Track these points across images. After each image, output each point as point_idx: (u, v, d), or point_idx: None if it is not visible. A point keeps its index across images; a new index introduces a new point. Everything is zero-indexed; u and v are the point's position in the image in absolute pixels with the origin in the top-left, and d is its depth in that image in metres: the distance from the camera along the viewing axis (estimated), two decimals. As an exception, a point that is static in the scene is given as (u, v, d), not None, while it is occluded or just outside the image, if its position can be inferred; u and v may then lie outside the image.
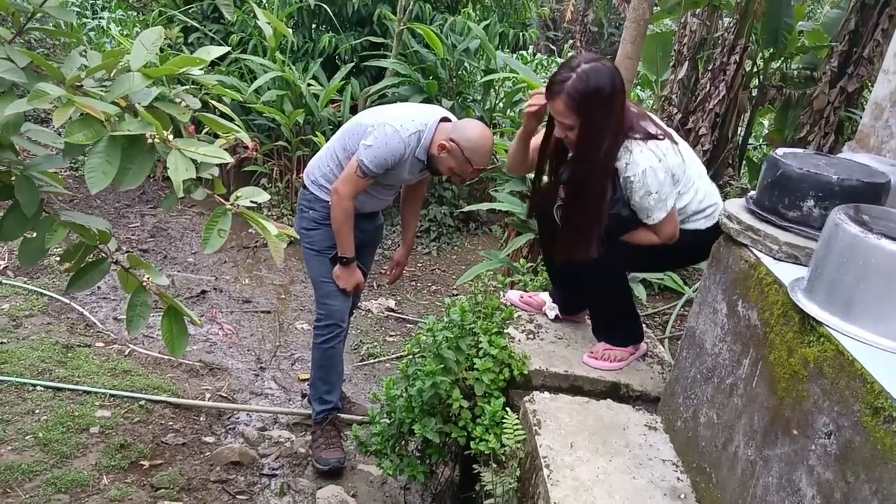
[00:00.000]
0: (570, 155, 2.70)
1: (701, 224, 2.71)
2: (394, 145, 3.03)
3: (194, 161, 1.57)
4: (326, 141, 3.40)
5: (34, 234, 1.81)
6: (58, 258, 4.99)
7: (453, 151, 3.03)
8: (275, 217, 6.23)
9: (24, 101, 1.46)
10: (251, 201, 1.71)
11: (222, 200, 1.71)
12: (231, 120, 2.01)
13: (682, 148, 2.67)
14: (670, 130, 2.70)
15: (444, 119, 3.16)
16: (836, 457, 1.61)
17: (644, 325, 3.10)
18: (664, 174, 2.54)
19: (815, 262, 1.86)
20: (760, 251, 2.16)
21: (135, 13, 9.21)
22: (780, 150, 2.29)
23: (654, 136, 2.57)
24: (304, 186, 3.38)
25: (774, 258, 2.11)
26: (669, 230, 2.66)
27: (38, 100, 1.43)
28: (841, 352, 1.67)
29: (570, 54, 12.91)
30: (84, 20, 9.59)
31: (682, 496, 2.22)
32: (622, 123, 2.53)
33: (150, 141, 1.55)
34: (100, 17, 9.86)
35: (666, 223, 2.63)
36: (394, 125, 3.04)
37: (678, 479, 2.30)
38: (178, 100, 1.70)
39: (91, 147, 1.51)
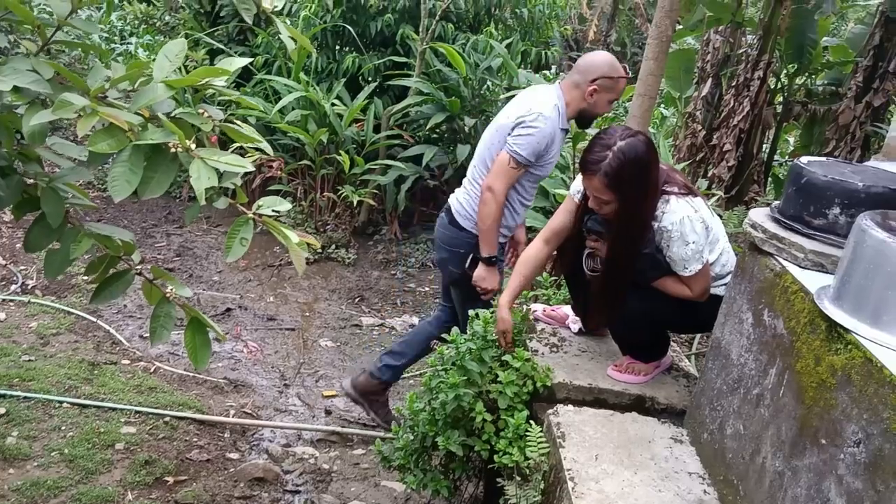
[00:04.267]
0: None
1: (721, 291, 2.65)
2: (546, 129, 3.10)
3: (217, 170, 1.58)
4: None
5: (59, 246, 1.83)
6: (85, 277, 5.05)
7: (603, 84, 3.12)
8: (299, 236, 6.24)
9: (49, 112, 1.49)
10: (273, 210, 1.72)
11: (244, 209, 1.73)
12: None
13: (708, 204, 2.69)
14: (697, 190, 2.72)
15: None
16: (865, 465, 1.58)
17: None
18: (700, 224, 2.54)
19: (842, 269, 1.83)
20: (786, 259, 2.13)
21: (162, 37, 9.36)
22: (805, 159, 2.26)
23: (691, 191, 2.60)
24: (458, 227, 3.37)
25: (800, 266, 2.09)
26: (703, 284, 2.62)
27: (62, 109, 1.45)
28: (869, 359, 1.64)
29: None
30: (112, 45, 9.76)
31: (710, 509, 2.18)
32: (658, 189, 2.55)
33: (173, 150, 1.56)
34: (127, 43, 10.02)
35: (700, 277, 2.59)
36: (537, 111, 3.11)
37: (705, 491, 2.26)
38: (200, 110, 1.72)
39: (115, 156, 1.53)
